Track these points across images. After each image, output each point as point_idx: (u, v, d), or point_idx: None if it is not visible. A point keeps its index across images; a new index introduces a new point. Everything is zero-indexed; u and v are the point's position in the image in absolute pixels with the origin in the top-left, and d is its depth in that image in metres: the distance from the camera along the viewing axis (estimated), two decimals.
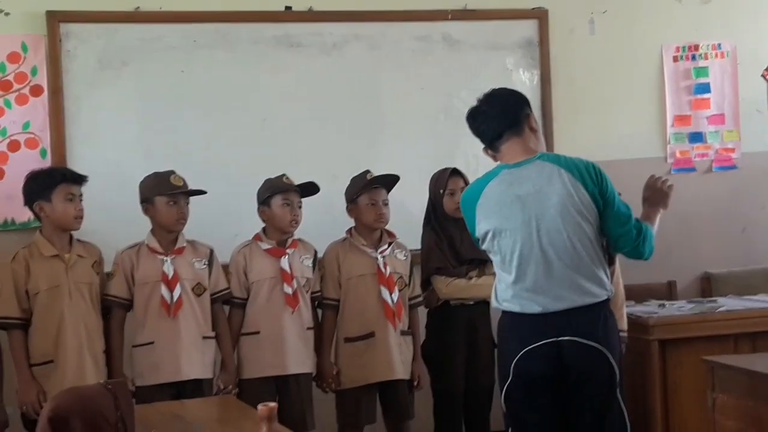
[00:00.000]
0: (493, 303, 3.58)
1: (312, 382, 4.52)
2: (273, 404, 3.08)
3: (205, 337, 4.32)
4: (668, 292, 5.62)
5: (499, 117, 3.52)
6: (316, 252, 4.55)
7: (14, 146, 4.76)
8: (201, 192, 4.36)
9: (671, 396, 4.67)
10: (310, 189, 4.50)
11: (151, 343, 4.24)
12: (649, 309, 4.93)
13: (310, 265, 4.50)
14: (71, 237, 4.23)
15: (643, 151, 5.71)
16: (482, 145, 3.59)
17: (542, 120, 5.48)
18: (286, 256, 4.41)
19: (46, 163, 4.73)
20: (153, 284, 4.25)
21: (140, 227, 4.35)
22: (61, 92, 4.86)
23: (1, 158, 4.74)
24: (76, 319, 4.13)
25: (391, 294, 4.46)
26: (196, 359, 4.27)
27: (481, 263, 4.56)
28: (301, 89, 5.22)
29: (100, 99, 4.95)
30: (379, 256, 4.50)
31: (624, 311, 4.57)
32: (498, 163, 3.54)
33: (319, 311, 4.59)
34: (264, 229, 4.49)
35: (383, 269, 4.48)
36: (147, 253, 4.29)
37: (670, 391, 4.66)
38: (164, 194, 4.27)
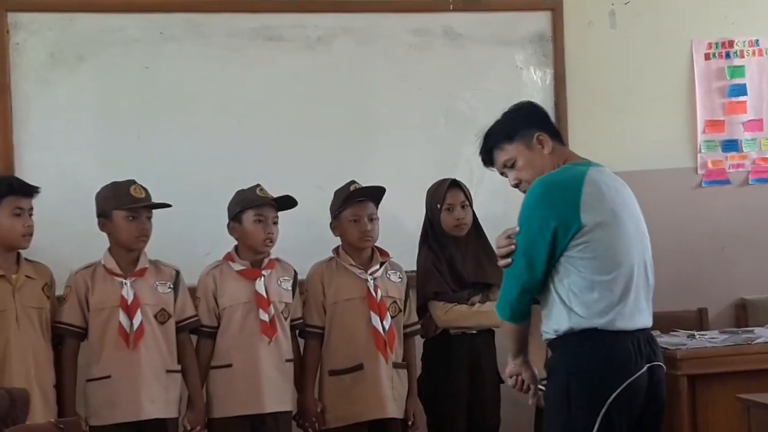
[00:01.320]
0: (573, 323, 3.24)
1: (292, 422, 4.49)
2: None
3: (169, 371, 4.30)
4: (698, 320, 5.58)
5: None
6: (296, 273, 4.53)
7: None
8: (165, 205, 4.32)
9: None
10: (286, 203, 4.47)
11: (108, 377, 4.22)
12: (677, 340, 4.90)
13: (290, 288, 4.48)
14: (19, 256, 4.20)
15: (670, 161, 5.68)
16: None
17: (556, 124, 5.44)
18: (262, 279, 4.39)
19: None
20: (110, 310, 4.22)
21: (98, 245, 4.32)
22: (8, 91, 4.84)
23: None
24: (24, 349, 4.10)
25: (382, 321, 4.43)
26: (158, 396, 4.24)
27: (484, 287, 4.54)
28: (281, 89, 5.19)
29: (52, 98, 4.93)
30: (369, 278, 4.46)
31: None
32: (557, 162, 3.38)
33: (301, 341, 4.56)
34: (236, 248, 4.47)
35: (374, 293, 4.45)
36: (104, 274, 4.26)
37: (700, 429, 4.63)
38: (123, 208, 4.24)
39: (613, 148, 5.48)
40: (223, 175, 4.93)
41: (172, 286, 4.33)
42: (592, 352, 3.21)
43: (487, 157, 3.50)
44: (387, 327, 4.43)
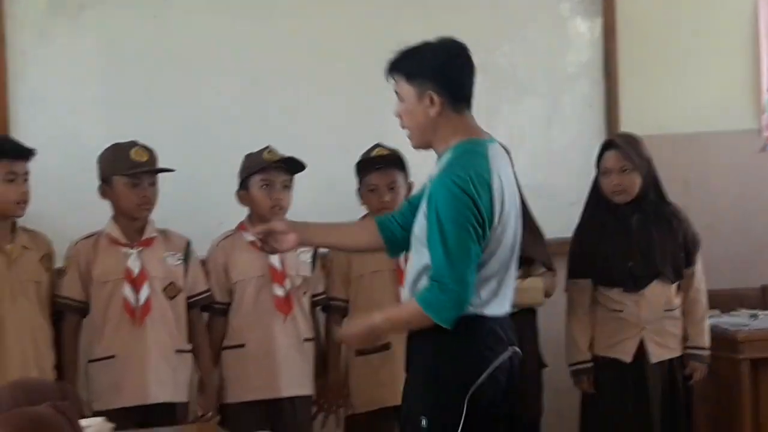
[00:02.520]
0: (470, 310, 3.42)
1: (312, 407, 4.51)
2: None
3: (178, 351, 4.31)
4: (762, 299, 5.56)
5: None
6: None
7: None
8: (167, 170, 4.31)
9: (764, 428, 4.63)
10: (294, 164, 4.44)
11: (112, 357, 4.24)
12: (739, 320, 4.89)
13: (309, 260, 4.48)
14: (14, 225, 4.20)
15: (731, 123, 5.64)
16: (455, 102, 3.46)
17: (605, 82, 5.44)
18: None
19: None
20: (114, 283, 4.23)
21: (102, 212, 4.33)
22: (4, 43, 4.83)
23: None
24: (20, 326, 4.12)
25: None
26: (167, 378, 4.26)
27: (525, 263, 4.53)
28: (300, 42, 5.17)
29: (52, 52, 4.92)
30: None
31: (706, 324, 4.55)
32: (456, 135, 3.46)
33: (320, 319, 4.57)
34: (249, 217, 4.47)
35: (404, 265, 4.44)
36: (107, 244, 4.27)
37: (763, 421, 4.62)
38: (122, 173, 4.24)
39: (667, 108, 5.47)
40: (237, 137, 4.91)
41: (182, 257, 4.33)
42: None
43: (386, 73, 3.54)
44: None
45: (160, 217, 4.36)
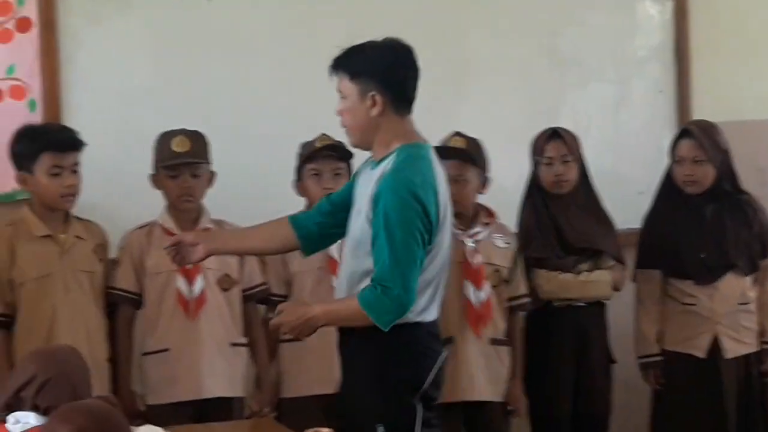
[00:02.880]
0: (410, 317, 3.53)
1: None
2: (326, 430, 3.09)
3: (234, 344, 4.32)
4: None
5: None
6: None
7: None
8: (200, 162, 4.30)
9: None
10: (340, 151, 4.41)
11: (166, 350, 4.25)
12: None
13: None
14: (67, 214, 4.22)
15: None
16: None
17: (676, 67, 5.38)
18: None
19: (36, 117, 4.67)
20: (167, 275, 4.23)
21: (157, 201, 4.34)
22: (55, 27, 4.78)
23: None
24: (73, 318, 4.13)
25: (478, 290, 4.40)
26: (221, 372, 4.27)
27: (593, 255, 4.50)
28: (360, 25, 5.08)
29: (103, 35, 4.86)
30: (469, 241, 4.43)
31: None
32: (397, 138, 3.54)
33: None
34: (308, 208, 4.43)
35: (470, 258, 4.40)
36: (161, 235, 4.26)
37: None
38: (161, 165, 4.26)
39: (742, 93, 5.43)
40: (294, 124, 4.86)
41: None
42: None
43: (330, 69, 3.62)
44: (483, 298, 4.41)
45: (216, 206, 4.36)
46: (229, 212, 4.39)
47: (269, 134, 4.95)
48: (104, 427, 2.55)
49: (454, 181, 4.39)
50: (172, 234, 4.21)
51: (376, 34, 5.01)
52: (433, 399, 3.60)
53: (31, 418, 2.89)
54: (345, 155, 4.38)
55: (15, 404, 2.94)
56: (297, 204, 4.43)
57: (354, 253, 3.56)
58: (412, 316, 3.50)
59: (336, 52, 3.63)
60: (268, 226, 3.87)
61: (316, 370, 4.33)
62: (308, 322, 3.58)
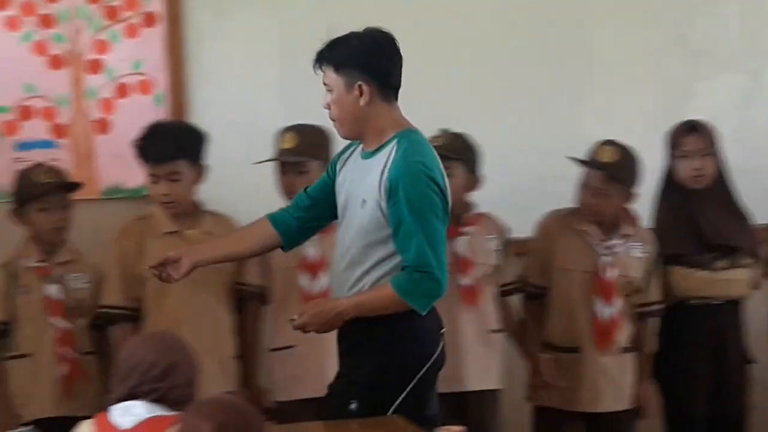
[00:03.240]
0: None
1: (497, 399, 4.48)
2: (458, 429, 3.14)
3: None
4: None
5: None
6: (507, 231, 4.49)
7: (123, 91, 4.74)
8: (270, 159, 4.33)
9: None
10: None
11: (292, 347, 4.25)
12: None
13: (497, 248, 4.45)
14: (198, 209, 4.27)
15: None
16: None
17: None
18: (465, 238, 4.34)
19: (162, 112, 4.72)
20: (291, 271, 4.24)
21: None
22: (181, 21, 4.82)
23: (106, 106, 4.74)
24: (198, 314, 4.16)
25: (607, 305, 4.37)
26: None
27: (730, 251, 4.41)
28: (486, 19, 5.08)
29: (229, 29, 4.89)
30: (605, 255, 4.38)
31: None
32: (391, 125, 3.57)
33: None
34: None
35: (603, 273, 4.37)
36: None
37: None
38: (269, 160, 4.32)
39: None
40: (417, 119, 4.81)
41: None
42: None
43: (314, 64, 3.66)
44: (611, 314, 4.37)
45: None
46: None
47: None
48: (244, 424, 2.52)
49: (597, 192, 4.34)
50: None
51: (500, 28, 5.04)
52: (431, 382, 3.61)
53: (139, 408, 2.88)
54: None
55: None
56: None
57: (361, 242, 3.54)
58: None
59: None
60: (249, 228, 3.90)
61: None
62: (339, 316, 3.57)
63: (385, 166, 3.47)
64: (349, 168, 3.63)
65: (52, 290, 4.18)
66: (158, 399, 2.90)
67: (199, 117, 4.62)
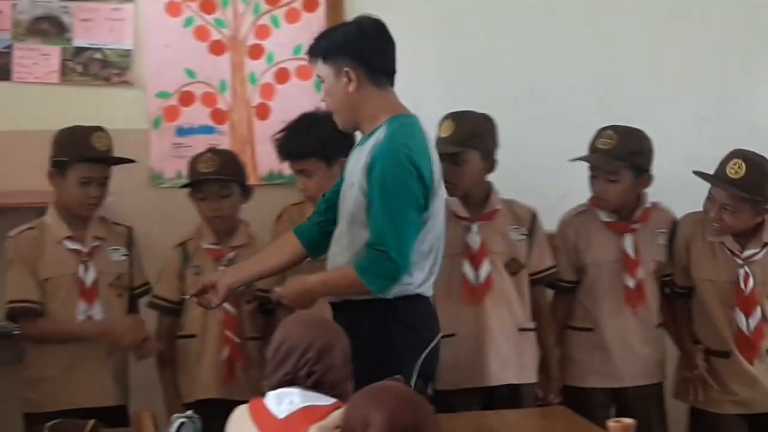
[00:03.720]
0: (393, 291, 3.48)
1: (658, 396, 4.40)
2: (629, 421, 3.07)
3: (522, 330, 4.26)
4: None
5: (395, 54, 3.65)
6: (675, 222, 4.39)
7: (282, 76, 4.77)
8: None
9: None
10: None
11: (452, 335, 4.16)
12: None
13: (664, 242, 4.36)
14: None
15: None
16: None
17: None
18: (632, 235, 4.27)
19: (321, 97, 4.70)
20: (453, 258, 4.16)
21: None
22: (342, 5, 4.84)
23: (266, 92, 4.77)
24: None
25: (749, 317, 4.24)
26: (510, 359, 4.22)
27: None
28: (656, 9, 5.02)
29: (390, 14, 4.74)
30: (742, 265, 4.23)
31: None
32: (383, 111, 3.55)
33: None
34: None
35: (743, 284, 4.24)
36: (447, 216, 4.18)
37: None
38: None
39: None
40: (586, 103, 4.84)
41: (526, 232, 4.25)
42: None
43: (307, 57, 3.68)
44: (754, 325, 4.23)
45: (501, 188, 4.30)
46: (514, 193, 4.33)
47: (555, 113, 4.90)
48: (415, 413, 2.48)
49: (724, 208, 4.18)
50: (459, 216, 4.19)
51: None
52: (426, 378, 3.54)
53: (294, 396, 2.85)
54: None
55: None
56: (583, 184, 4.34)
57: (350, 227, 3.53)
58: (412, 287, 3.49)
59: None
60: (277, 243, 3.92)
61: (605, 362, 4.30)
62: (306, 293, 3.59)
63: (371, 149, 3.48)
64: (353, 155, 3.63)
65: None
66: (316, 382, 2.88)
67: None
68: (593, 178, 4.26)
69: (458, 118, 4.22)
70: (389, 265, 3.42)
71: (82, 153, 4.04)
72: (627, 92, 4.89)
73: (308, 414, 2.78)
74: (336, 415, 2.61)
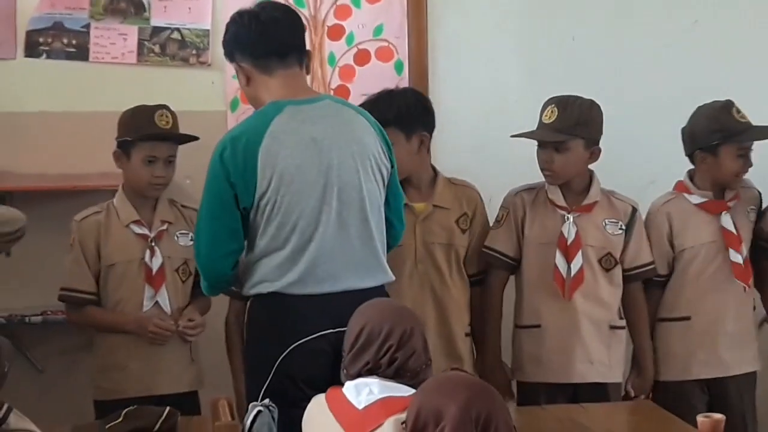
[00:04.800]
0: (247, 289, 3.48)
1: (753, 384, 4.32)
2: (719, 416, 3.07)
3: (612, 327, 4.17)
4: None
5: (292, 32, 3.55)
6: (760, 198, 4.31)
7: (363, 58, 4.74)
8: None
9: None
10: None
11: (537, 326, 4.14)
12: None
13: (754, 218, 4.28)
14: (435, 179, 4.15)
15: None
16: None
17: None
18: (727, 213, 4.20)
19: (402, 80, 4.71)
20: (547, 247, 4.12)
21: (518, 164, 4.26)
22: None
23: (346, 73, 4.74)
24: (422, 289, 4.08)
25: None
26: (598, 356, 4.14)
27: None
28: None
29: None
30: None
31: None
32: (271, 100, 3.47)
33: None
34: (690, 176, 4.29)
35: None
36: (544, 202, 4.17)
37: None
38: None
39: None
40: (673, 86, 4.75)
41: (624, 226, 4.16)
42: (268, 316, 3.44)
43: None
44: None
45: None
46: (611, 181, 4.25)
47: (642, 95, 4.83)
48: (490, 404, 2.42)
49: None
50: (556, 205, 4.12)
51: None
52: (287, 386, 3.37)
53: (373, 386, 2.82)
54: None
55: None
56: (674, 170, 4.30)
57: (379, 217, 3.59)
58: (264, 286, 3.41)
59: None
60: None
61: (702, 352, 4.19)
62: None
63: None
64: None
65: None
66: (398, 370, 2.86)
67: (439, 85, 4.58)
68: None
69: (562, 103, 4.10)
70: (200, 267, 3.54)
71: (145, 131, 4.02)
72: (715, 75, 4.78)
73: (387, 405, 2.74)
74: None
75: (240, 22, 3.54)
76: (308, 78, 3.60)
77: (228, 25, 3.58)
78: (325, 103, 3.53)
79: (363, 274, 3.47)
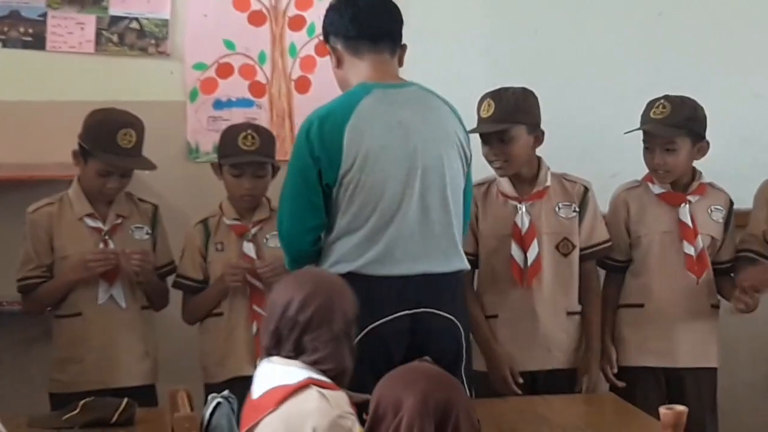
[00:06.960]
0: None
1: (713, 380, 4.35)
2: (681, 408, 3.07)
3: (570, 313, 4.23)
4: None
5: (386, 20, 3.63)
6: (731, 202, 4.35)
7: (324, 49, 4.29)
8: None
9: None
10: None
11: (494, 316, 4.19)
12: None
13: (721, 220, 4.32)
14: None
15: None
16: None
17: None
18: (686, 205, 4.25)
19: None
20: (500, 239, 4.17)
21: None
22: None
23: (306, 64, 4.74)
24: None
25: None
26: (558, 342, 4.20)
27: None
28: None
29: None
30: None
31: None
32: (358, 81, 3.55)
33: None
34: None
35: None
36: (495, 196, 4.22)
37: None
38: None
39: None
40: (636, 79, 4.78)
41: (577, 208, 4.22)
42: None
43: None
44: None
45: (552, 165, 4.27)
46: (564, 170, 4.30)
47: (606, 87, 4.85)
48: (449, 393, 2.49)
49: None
50: (507, 196, 4.17)
51: None
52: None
53: (268, 368, 2.85)
54: None
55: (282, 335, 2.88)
56: (636, 161, 4.31)
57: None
58: (341, 266, 3.44)
59: None
60: None
61: (656, 340, 4.25)
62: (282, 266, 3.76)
63: None
64: None
65: (249, 248, 4.18)
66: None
67: (404, 74, 4.55)
68: (648, 150, 4.22)
69: (497, 95, 4.17)
70: (282, 243, 3.60)
71: (104, 148, 4.03)
72: (680, 68, 4.82)
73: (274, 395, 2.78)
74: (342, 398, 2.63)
75: (338, 4, 3.61)
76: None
77: (327, 8, 3.65)
78: (413, 89, 3.61)
79: (441, 259, 3.53)
